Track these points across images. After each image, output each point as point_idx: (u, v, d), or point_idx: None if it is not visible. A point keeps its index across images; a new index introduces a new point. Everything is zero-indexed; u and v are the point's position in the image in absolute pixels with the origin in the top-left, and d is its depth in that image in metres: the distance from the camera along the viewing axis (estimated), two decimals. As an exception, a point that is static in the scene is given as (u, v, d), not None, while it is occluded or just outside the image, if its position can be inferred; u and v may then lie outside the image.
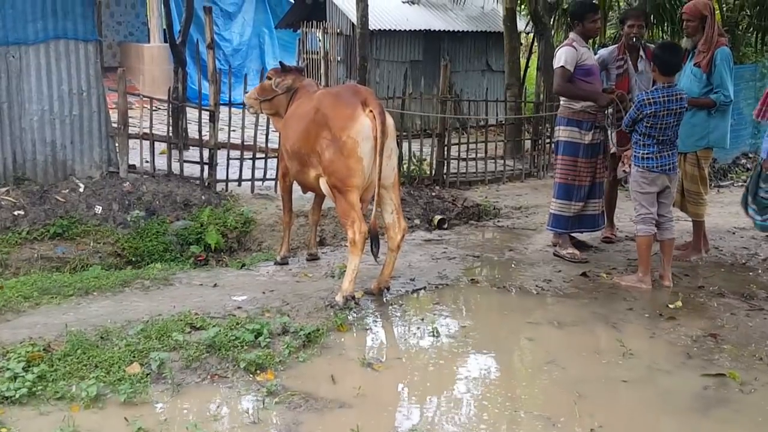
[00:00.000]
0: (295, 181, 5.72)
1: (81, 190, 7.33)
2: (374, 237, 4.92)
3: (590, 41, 6.60)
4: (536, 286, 5.45)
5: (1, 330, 4.30)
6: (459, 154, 9.69)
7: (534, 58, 15.36)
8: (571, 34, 6.16)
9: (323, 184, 5.08)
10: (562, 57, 5.95)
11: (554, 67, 6.08)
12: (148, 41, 17.38)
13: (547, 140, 10.33)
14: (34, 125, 7.32)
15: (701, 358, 4.18)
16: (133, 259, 6.82)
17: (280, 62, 6.14)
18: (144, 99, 8.38)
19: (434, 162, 9.46)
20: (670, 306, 4.99)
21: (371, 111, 4.81)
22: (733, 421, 3.55)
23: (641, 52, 6.31)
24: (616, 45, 6.47)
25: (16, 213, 6.84)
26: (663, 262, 5.52)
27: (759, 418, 3.55)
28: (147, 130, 7.93)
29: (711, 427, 3.51)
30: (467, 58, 15.96)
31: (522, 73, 14.62)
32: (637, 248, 5.50)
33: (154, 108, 8.35)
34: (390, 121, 4.93)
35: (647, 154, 5.35)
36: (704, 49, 5.69)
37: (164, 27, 12.60)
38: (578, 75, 5.96)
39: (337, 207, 5.05)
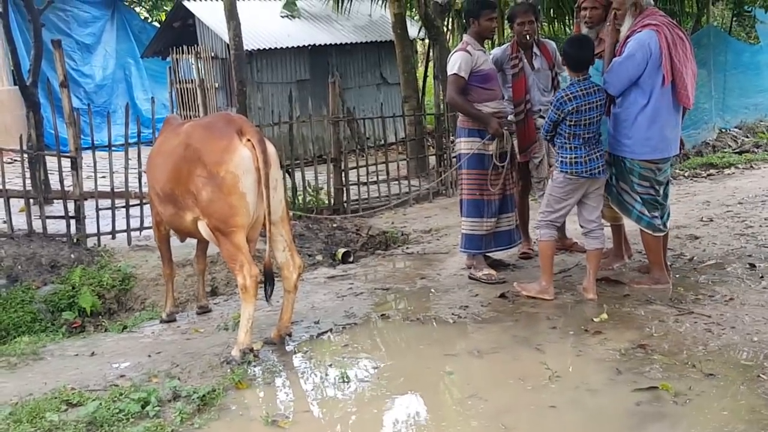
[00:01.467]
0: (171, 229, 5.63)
1: (-74, 261, 7.01)
2: (269, 277, 4.88)
3: (486, 43, 6.80)
4: (452, 314, 5.55)
5: None
6: (359, 179, 9.79)
7: (431, 65, 15.72)
8: (465, 37, 6.32)
9: (203, 228, 5.00)
10: (456, 63, 6.09)
11: (448, 74, 6.24)
12: (-5, 85, 16.84)
13: (453, 155, 10.58)
14: None
15: (631, 372, 4.34)
16: (-4, 334, 6.56)
17: None
18: (-8, 151, 8.09)
19: (332, 190, 9.52)
20: (596, 320, 5.18)
21: (249, 140, 4.76)
22: (670, 436, 3.69)
23: (535, 49, 6.56)
24: (509, 44, 6.70)
25: None
26: (588, 273, 5.71)
27: (695, 431, 3.71)
28: (0, 186, 7.66)
29: (647, 444, 3.66)
30: (359, 72, 16.21)
31: (422, 82, 14.96)
32: (540, 255, 5.72)
33: (7, 160, 8.08)
34: (272, 149, 4.89)
35: (576, 157, 5.51)
36: (607, 36, 5.85)
37: (12, 68, 12.26)
38: (475, 82, 6.14)
39: (222, 251, 4.97)
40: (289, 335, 5.19)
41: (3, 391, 4.55)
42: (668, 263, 6.08)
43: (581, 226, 5.79)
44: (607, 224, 6.09)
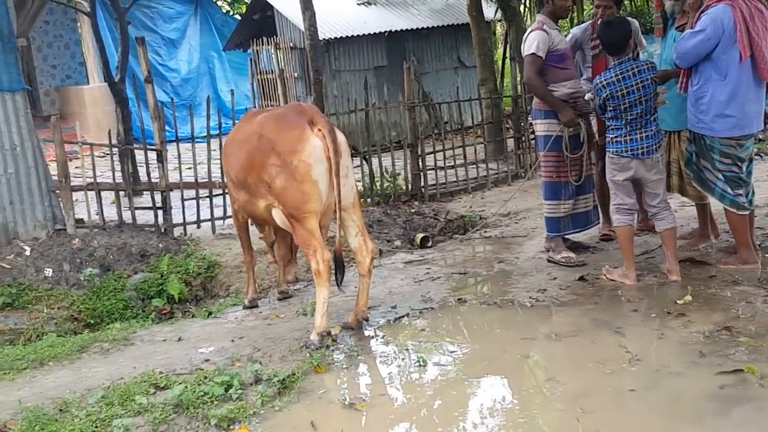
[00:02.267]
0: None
1: (27, 253, 7.34)
2: (339, 263, 5.00)
3: (561, 23, 6.65)
4: (530, 297, 5.48)
5: (-50, 415, 4.29)
6: (436, 164, 9.76)
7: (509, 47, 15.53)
8: (539, 17, 6.20)
9: (277, 215, 5.10)
10: (533, 43, 5.97)
11: (524, 54, 6.15)
12: (88, 82, 17.48)
13: (532, 137, 10.44)
14: (-32, 191, 7.33)
15: (715, 355, 4.20)
16: (92, 321, 6.85)
17: None
18: (84, 146, 8.41)
19: (409, 175, 9.52)
20: (679, 302, 5.02)
21: (320, 130, 4.85)
22: (755, 421, 3.56)
23: None
24: (589, 23, 6.54)
25: (-42, 287, 6.84)
26: (667, 255, 5.57)
27: (782, 413, 3.58)
28: (92, 180, 7.95)
29: (731, 429, 3.53)
30: (436, 56, 16.15)
31: (500, 64, 14.79)
32: (618, 241, 5.64)
33: (99, 154, 8.39)
34: (342, 138, 4.97)
35: (616, 137, 5.48)
36: (692, 8, 5.67)
37: (101, 65, 12.68)
38: (551, 62, 6.02)
39: (296, 237, 5.08)
40: (366, 320, 5.22)
41: (96, 375, 4.75)
42: (756, 242, 5.85)
43: (647, 209, 5.66)
44: (692, 203, 5.89)
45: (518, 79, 11.21)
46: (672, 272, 5.50)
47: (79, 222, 7.91)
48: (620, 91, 5.35)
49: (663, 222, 5.54)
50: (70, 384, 4.61)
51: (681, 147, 5.93)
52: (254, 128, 5.16)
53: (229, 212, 8.22)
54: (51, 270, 7.20)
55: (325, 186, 4.88)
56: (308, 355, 4.68)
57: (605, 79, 5.42)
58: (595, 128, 6.31)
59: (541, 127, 6.20)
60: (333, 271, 4.97)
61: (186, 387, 4.20)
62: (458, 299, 5.64)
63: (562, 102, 5.99)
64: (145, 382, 4.40)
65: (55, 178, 7.83)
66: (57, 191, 7.77)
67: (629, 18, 6.44)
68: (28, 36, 8.11)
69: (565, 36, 6.54)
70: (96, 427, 3.89)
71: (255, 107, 17.18)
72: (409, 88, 9.55)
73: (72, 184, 7.85)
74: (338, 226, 4.98)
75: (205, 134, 8.45)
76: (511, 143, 11.19)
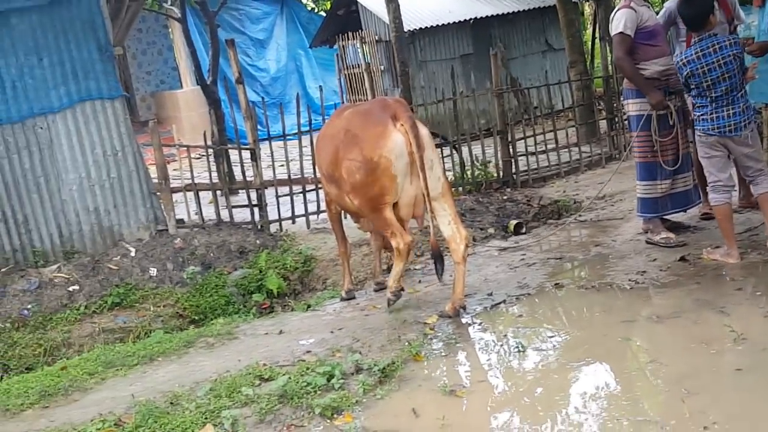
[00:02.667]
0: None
1: (132, 254, 7.68)
2: (437, 257, 5.17)
3: None
4: (629, 280, 5.43)
5: (70, 411, 4.54)
6: (527, 149, 9.70)
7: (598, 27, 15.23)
8: None
9: None
10: (620, 21, 5.91)
11: (612, 33, 6.06)
12: (181, 86, 18.08)
13: (625, 117, 10.23)
14: (74, 195, 7.72)
15: (825, 333, 4.09)
16: (196, 317, 7.09)
17: None
18: (180, 148, 8.73)
19: (500, 162, 9.49)
20: (787, 278, 4.90)
21: (402, 125, 5.00)
22: None
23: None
24: None
25: (70, 289, 7.21)
26: (766, 222, 5.44)
27: None
28: (189, 181, 8.25)
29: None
30: (524, 41, 15.99)
31: (590, 45, 14.51)
32: (717, 220, 5.53)
33: (195, 155, 8.69)
34: (424, 131, 5.12)
35: (702, 115, 5.41)
36: None
37: (194, 68, 13.09)
38: (641, 39, 5.92)
39: (375, 225, 5.37)
40: (464, 308, 5.27)
41: (203, 369, 4.94)
42: None
43: (745, 178, 5.57)
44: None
45: (609, 59, 10.98)
46: None
47: (180, 222, 8.21)
48: (701, 69, 5.27)
49: (759, 186, 5.42)
50: (179, 378, 4.81)
51: None
52: (342, 123, 5.34)
53: (323, 207, 8.42)
54: (155, 269, 7.51)
55: (403, 180, 5.08)
56: (408, 344, 4.76)
57: (686, 57, 5.36)
58: (690, 106, 6.16)
59: (633, 106, 6.10)
60: (433, 263, 5.20)
61: (289, 378, 4.33)
62: (555, 284, 5.62)
63: (650, 84, 5.88)
64: (250, 374, 4.55)
65: (155, 180, 8.15)
66: (157, 193, 8.09)
67: None
68: (123, 44, 8.44)
69: (657, 12, 6.40)
70: (206, 418, 4.05)
71: (343, 102, 17.45)
72: (496, 74, 9.51)
73: (171, 185, 8.15)
74: (431, 219, 5.11)
75: (296, 131, 8.64)
76: (603, 125, 11.00)
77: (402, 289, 5.43)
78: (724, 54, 5.26)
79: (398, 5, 9.24)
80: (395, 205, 5.24)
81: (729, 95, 5.31)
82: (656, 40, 5.98)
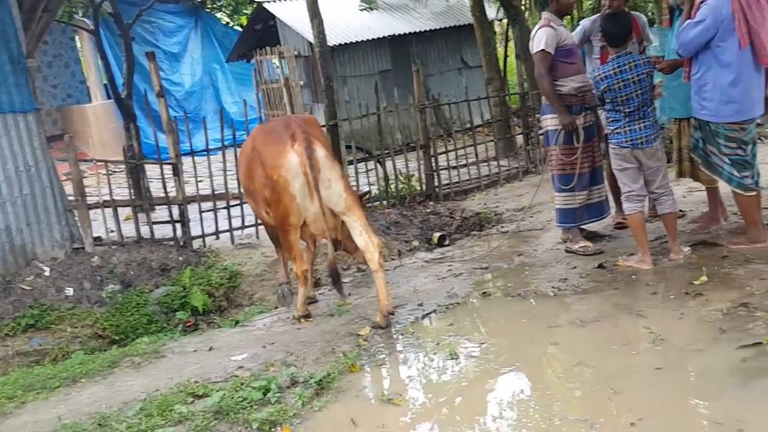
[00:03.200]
0: None
1: (47, 273, 7.48)
2: (334, 275, 5.71)
3: (565, 19, 6.84)
4: (552, 287, 5.67)
5: (-11, 437, 4.45)
6: (448, 163, 9.95)
7: (511, 45, 15.72)
8: (545, 14, 6.40)
9: None
10: (542, 39, 6.18)
11: (533, 51, 6.33)
12: (90, 101, 17.69)
13: (540, 132, 10.61)
14: (-16, 213, 7.45)
15: (735, 331, 4.39)
16: (117, 337, 6.92)
17: None
18: (98, 164, 8.61)
19: (423, 176, 9.70)
20: (696, 282, 5.22)
21: (299, 146, 5.18)
22: (778, 389, 3.75)
23: None
24: (599, 15, 6.72)
25: (-20, 311, 6.98)
26: (669, 237, 5.85)
27: (804, 382, 3.76)
28: (107, 197, 8.12)
29: (755, 398, 3.71)
30: (440, 58, 16.35)
31: (503, 63, 14.97)
32: (631, 228, 5.92)
33: (110, 172, 8.57)
34: (320, 153, 5.27)
35: (616, 128, 5.75)
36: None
37: (105, 82, 12.87)
38: (560, 57, 6.21)
39: (282, 245, 5.70)
40: (392, 314, 5.41)
41: (131, 389, 4.87)
42: (764, 222, 6.03)
43: (649, 194, 5.91)
44: (699, 189, 6.09)
45: (524, 76, 11.40)
46: (673, 252, 5.79)
47: (97, 239, 8.04)
48: (617, 84, 5.62)
49: (663, 206, 5.84)
50: (106, 399, 4.73)
51: (691, 133, 6.11)
52: (251, 140, 5.59)
53: (248, 222, 8.48)
54: (72, 289, 7.34)
55: (303, 199, 5.28)
56: (342, 355, 4.85)
57: (603, 72, 5.69)
58: (604, 121, 6.50)
59: (550, 121, 6.38)
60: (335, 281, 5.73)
61: (224, 394, 4.35)
62: (483, 293, 5.83)
63: (562, 105, 6.18)
64: (181, 392, 4.54)
65: (71, 197, 7.98)
66: (73, 210, 7.92)
67: (636, 13, 6.65)
68: (34, 56, 8.24)
69: (571, 31, 6.73)
70: (138, 438, 4.04)
71: (260, 118, 17.44)
72: (419, 90, 9.75)
73: (87, 202, 8.00)
74: (329, 242, 5.55)
75: (219, 146, 8.64)
76: (520, 140, 11.38)
77: (309, 315, 5.80)
78: (638, 71, 5.62)
79: (322, 20, 9.34)
80: (305, 224, 5.46)
81: (641, 110, 5.68)
82: (573, 58, 6.30)
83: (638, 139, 5.68)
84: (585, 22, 6.79)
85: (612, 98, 5.68)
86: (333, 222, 5.49)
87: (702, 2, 5.53)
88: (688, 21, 5.56)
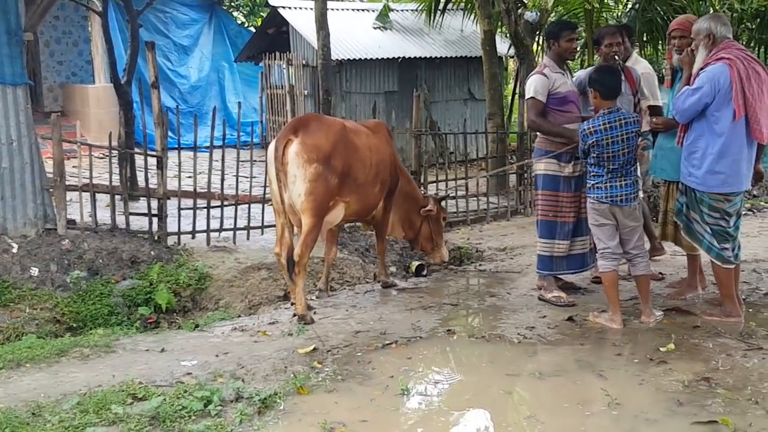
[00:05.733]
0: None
1: (14, 250, 7.38)
2: (290, 264, 5.95)
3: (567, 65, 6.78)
4: (518, 333, 5.58)
5: None
6: (437, 193, 9.85)
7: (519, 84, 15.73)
8: (545, 59, 6.39)
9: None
10: (531, 86, 6.18)
11: (525, 97, 6.30)
12: (94, 82, 17.62)
13: (533, 174, 10.55)
14: (-42, 183, 7.36)
15: (693, 405, 4.30)
16: (74, 324, 6.85)
17: None
18: (83, 146, 8.51)
19: (410, 203, 9.61)
20: (662, 349, 5.13)
21: (279, 137, 5.90)
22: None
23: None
24: (593, 66, 6.69)
25: (-60, 281, 6.88)
26: (641, 299, 5.80)
27: (754, 468, 3.66)
28: (87, 180, 8.02)
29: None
30: (447, 86, 16.33)
31: (509, 99, 14.96)
32: (603, 286, 5.84)
33: (97, 155, 8.47)
34: (293, 149, 5.79)
35: (596, 183, 5.68)
36: (685, 64, 5.83)
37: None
38: (552, 105, 6.17)
39: None
40: (299, 317, 5.95)
41: (74, 381, 4.79)
42: (741, 297, 5.98)
43: (624, 255, 5.81)
44: (683, 253, 6.03)
45: (525, 116, 11.36)
46: (644, 314, 5.74)
47: (71, 223, 7.95)
48: (606, 140, 5.55)
49: (637, 268, 5.77)
50: (46, 388, 4.65)
51: (677, 196, 6.05)
52: None
53: (226, 224, 8.42)
54: (37, 269, 7.22)
55: (276, 186, 5.88)
56: (292, 375, 4.74)
57: (593, 126, 5.61)
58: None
59: (540, 165, 6.32)
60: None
61: (164, 399, 4.26)
62: (447, 330, 5.73)
63: (567, 130, 6.09)
64: (123, 391, 4.45)
65: (51, 176, 7.90)
66: (51, 190, 7.82)
67: (631, 65, 6.60)
68: (36, 30, 8.16)
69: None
70: (68, 434, 3.93)
71: (262, 121, 17.46)
72: (417, 115, 9.69)
73: (67, 183, 7.91)
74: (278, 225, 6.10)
75: (208, 144, 8.55)
76: (513, 179, 11.31)
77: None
78: (628, 129, 5.57)
79: (329, 33, 9.34)
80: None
81: (624, 167, 5.62)
82: (567, 106, 6.22)
83: (618, 197, 5.62)
84: (580, 73, 6.75)
85: (598, 153, 5.60)
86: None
87: (701, 69, 5.49)
88: (686, 87, 5.53)
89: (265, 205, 8.59)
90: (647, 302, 5.76)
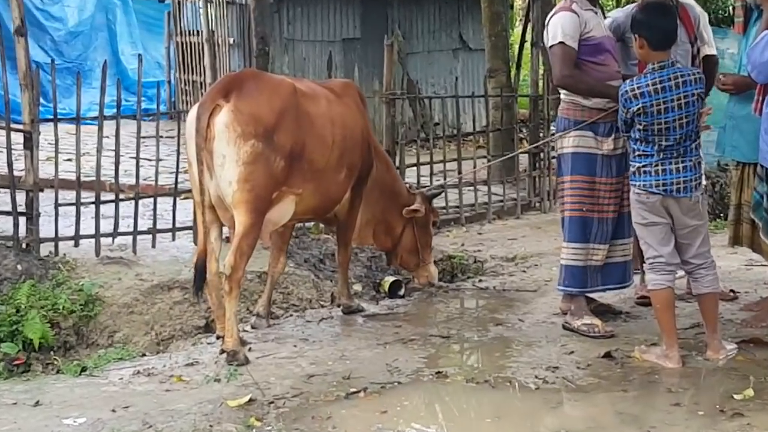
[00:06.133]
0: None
1: None
2: (197, 272, 6.03)
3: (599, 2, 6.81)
4: (536, 377, 5.59)
5: None
6: (419, 180, 9.88)
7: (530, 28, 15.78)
8: None
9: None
10: (557, 29, 6.16)
11: (548, 44, 6.29)
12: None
13: (553, 155, 10.60)
14: None
15: (779, 474, 4.35)
16: None
17: None
18: None
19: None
20: (737, 396, 5.16)
21: (203, 101, 5.85)
22: None
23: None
24: (636, 5, 6.70)
25: None
26: (706, 327, 5.81)
27: None
28: None
29: None
30: (430, 32, 16.39)
31: (517, 50, 14.98)
32: (654, 308, 5.85)
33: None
34: (220, 117, 5.65)
35: (644, 166, 5.67)
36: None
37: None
38: (583, 55, 6.20)
39: None
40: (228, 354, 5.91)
41: None
42: None
43: (682, 265, 5.84)
44: (762, 263, 6.07)
45: (540, 72, 11.35)
46: (711, 349, 5.73)
47: None
48: (656, 106, 5.54)
49: (700, 283, 5.78)
50: None
51: (755, 186, 6.10)
52: None
53: (122, 227, 8.34)
54: None
55: (197, 170, 5.75)
56: (221, 438, 4.74)
57: (638, 87, 5.59)
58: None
59: (570, 141, 6.32)
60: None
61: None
62: (436, 372, 5.72)
63: (609, 87, 6.10)
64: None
65: None
66: None
67: (688, 2, 6.63)
68: None
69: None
70: None
71: (170, 81, 17.31)
72: (389, 72, 9.66)
73: None
74: (200, 224, 5.99)
75: (97, 114, 8.45)
76: (524, 160, 11.35)
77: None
78: (687, 91, 5.55)
79: (263, -43, 9.29)
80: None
81: (682, 145, 5.61)
82: (604, 56, 6.25)
83: (673, 184, 5.61)
84: (617, 14, 6.81)
85: (645, 125, 5.59)
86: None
87: None
88: (766, 32, 5.54)
89: (178, 198, 8.53)
90: (715, 331, 5.77)
